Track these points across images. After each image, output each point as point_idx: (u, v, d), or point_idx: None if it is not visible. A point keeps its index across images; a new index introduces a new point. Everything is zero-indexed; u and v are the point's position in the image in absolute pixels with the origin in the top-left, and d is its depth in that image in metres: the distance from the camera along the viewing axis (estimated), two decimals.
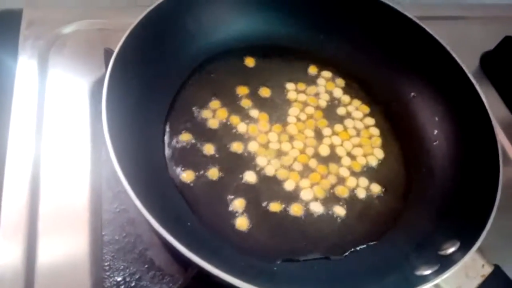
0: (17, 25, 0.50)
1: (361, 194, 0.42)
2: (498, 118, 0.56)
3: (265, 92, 0.47)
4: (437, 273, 0.33)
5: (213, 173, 0.41)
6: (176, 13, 0.44)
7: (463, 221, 0.38)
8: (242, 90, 0.47)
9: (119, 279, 0.37)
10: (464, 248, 0.34)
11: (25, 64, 0.46)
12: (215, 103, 0.45)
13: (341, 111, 0.48)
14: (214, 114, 0.44)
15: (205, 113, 0.44)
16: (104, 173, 0.42)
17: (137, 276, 0.37)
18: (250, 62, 0.49)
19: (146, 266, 0.38)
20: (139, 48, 0.40)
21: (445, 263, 0.33)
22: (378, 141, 0.46)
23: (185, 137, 0.42)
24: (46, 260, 0.36)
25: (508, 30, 0.60)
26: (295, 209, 0.40)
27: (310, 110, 0.47)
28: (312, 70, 0.50)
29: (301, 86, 0.49)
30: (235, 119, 0.44)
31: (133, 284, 0.37)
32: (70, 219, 0.38)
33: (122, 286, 0.36)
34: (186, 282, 0.35)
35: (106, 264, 0.37)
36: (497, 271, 0.35)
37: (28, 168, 0.40)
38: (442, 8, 0.66)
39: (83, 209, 0.39)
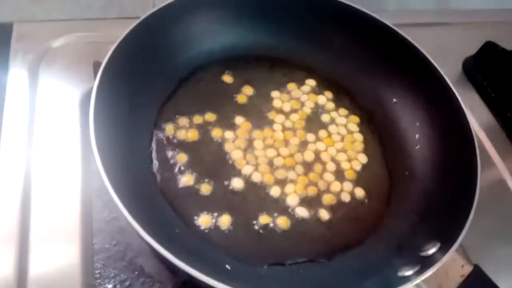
0: (7, 38, 0.50)
1: (346, 198, 0.43)
2: (481, 122, 0.57)
3: (249, 100, 0.48)
4: (418, 273, 0.34)
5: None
6: (163, 26, 0.45)
7: (443, 223, 0.39)
8: (230, 99, 0.48)
9: (109, 286, 0.38)
10: (444, 249, 0.35)
11: (15, 77, 0.47)
12: (201, 113, 0.46)
13: (325, 118, 0.49)
14: (198, 124, 0.45)
15: (190, 123, 0.45)
16: (94, 182, 0.43)
17: (127, 283, 0.38)
18: (229, 77, 0.50)
19: (136, 273, 0.38)
20: (126, 60, 0.41)
21: (426, 263, 0.34)
22: (361, 146, 0.47)
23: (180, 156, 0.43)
24: (37, 269, 0.37)
25: (489, 35, 0.62)
26: (281, 222, 0.41)
27: (294, 117, 0.48)
28: (296, 79, 0.51)
29: (285, 94, 0.50)
30: (218, 128, 0.45)
31: None
32: (61, 228, 0.39)
33: None
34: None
35: (97, 272, 0.38)
36: (477, 271, 0.36)
37: (20, 178, 0.41)
38: (425, 14, 0.68)
39: (74, 218, 0.40)
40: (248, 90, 0.49)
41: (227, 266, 0.37)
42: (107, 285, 0.38)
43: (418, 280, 0.33)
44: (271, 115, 0.48)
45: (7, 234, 0.38)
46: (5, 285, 0.35)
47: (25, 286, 0.36)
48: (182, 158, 0.43)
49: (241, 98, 0.48)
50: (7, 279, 0.35)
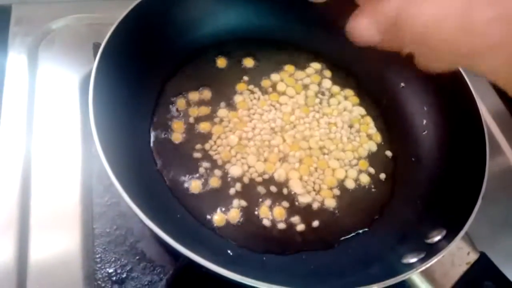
0: (6, 21, 0.50)
1: (350, 184, 0.43)
2: (490, 109, 0.56)
3: (251, 82, 0.47)
4: (423, 260, 0.33)
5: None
6: (164, 6, 0.44)
7: (449, 210, 0.38)
8: (238, 85, 0.47)
9: (110, 270, 0.37)
10: (450, 236, 0.34)
11: (14, 60, 0.47)
12: (202, 95, 0.45)
13: (330, 102, 0.48)
14: (199, 107, 0.44)
15: (192, 107, 0.44)
16: (95, 166, 0.42)
17: (128, 268, 0.38)
18: (249, 62, 0.49)
19: (137, 257, 0.38)
20: (126, 41, 0.40)
21: (431, 250, 0.34)
22: (366, 131, 0.46)
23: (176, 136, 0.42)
24: (38, 254, 0.37)
25: None
26: (282, 209, 0.40)
27: (300, 101, 0.47)
28: (302, 62, 0.50)
29: (290, 78, 0.48)
30: (222, 112, 0.44)
31: (124, 275, 0.37)
32: (61, 213, 0.39)
33: (114, 278, 0.37)
34: (177, 272, 0.35)
35: (97, 256, 0.38)
36: (483, 258, 0.36)
37: (19, 163, 0.40)
38: None
39: (75, 203, 0.39)
40: (249, 71, 0.48)
41: (229, 251, 0.36)
42: (107, 269, 0.37)
43: (423, 268, 0.33)
44: (273, 97, 0.46)
45: (7, 219, 0.37)
46: (5, 270, 0.35)
47: (26, 271, 0.36)
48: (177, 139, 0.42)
49: (240, 86, 0.47)
50: (7, 264, 0.35)
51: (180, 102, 0.44)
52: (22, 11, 0.51)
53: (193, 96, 0.45)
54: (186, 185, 0.40)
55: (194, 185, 0.40)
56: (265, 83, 0.47)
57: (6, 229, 0.37)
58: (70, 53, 0.48)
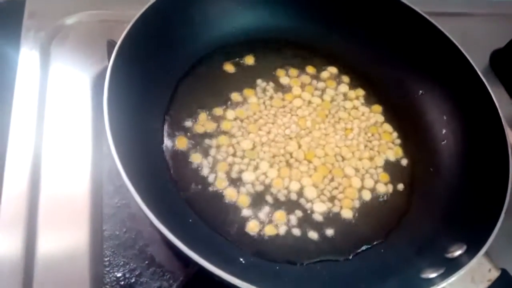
0: (19, 16, 0.49)
1: (366, 194, 0.41)
2: (507, 118, 0.54)
3: (270, 86, 0.46)
4: (443, 276, 0.32)
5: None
6: (181, 4, 0.43)
7: (470, 224, 0.37)
8: (247, 91, 0.46)
9: (119, 275, 0.37)
10: (471, 252, 0.33)
11: (27, 56, 0.46)
12: (214, 101, 0.44)
13: (347, 107, 0.47)
14: (212, 111, 0.43)
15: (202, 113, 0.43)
16: (105, 166, 0.42)
17: (137, 272, 0.37)
18: (249, 60, 0.48)
19: (147, 262, 0.37)
20: (142, 40, 0.39)
21: (451, 266, 0.32)
22: (384, 140, 0.45)
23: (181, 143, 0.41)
24: (45, 253, 0.36)
25: None
26: (297, 219, 0.39)
27: (315, 107, 0.46)
28: (318, 65, 0.49)
29: (307, 82, 0.47)
30: (239, 113, 0.43)
31: (133, 280, 0.36)
32: (70, 212, 0.38)
33: (122, 282, 0.36)
34: (187, 279, 0.34)
35: (106, 259, 0.37)
36: (504, 276, 0.34)
37: (29, 160, 0.40)
38: (452, 4, 0.64)
39: (84, 203, 0.39)
40: (262, 74, 0.47)
41: (241, 259, 0.35)
42: (116, 273, 0.37)
43: (443, 284, 0.32)
44: (291, 103, 0.45)
45: (16, 218, 0.37)
46: (12, 269, 0.35)
47: (32, 270, 0.35)
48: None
49: (248, 92, 0.45)
50: (14, 264, 0.35)
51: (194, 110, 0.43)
52: (36, 5, 0.50)
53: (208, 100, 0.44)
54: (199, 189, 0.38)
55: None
56: (279, 85, 0.46)
57: (14, 228, 0.36)
58: (83, 49, 0.47)
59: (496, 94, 0.54)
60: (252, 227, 0.37)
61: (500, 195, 0.36)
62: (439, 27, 0.46)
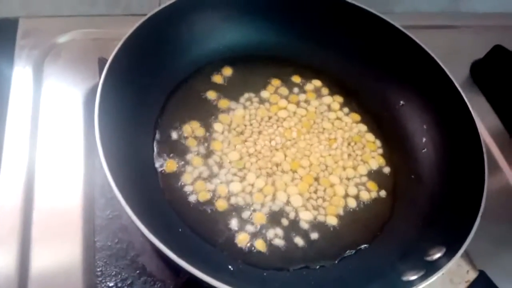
0: (13, 34, 0.50)
1: (351, 202, 0.43)
2: (488, 127, 0.56)
3: (255, 99, 0.48)
4: (423, 278, 0.33)
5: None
6: (169, 23, 0.45)
7: (449, 228, 0.38)
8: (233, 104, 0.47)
9: (111, 284, 0.37)
10: (450, 254, 0.34)
11: (20, 73, 0.47)
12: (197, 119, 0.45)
13: (330, 119, 0.48)
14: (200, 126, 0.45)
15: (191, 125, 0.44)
16: (97, 180, 0.42)
17: (129, 282, 0.38)
18: (235, 74, 0.49)
19: (138, 272, 0.38)
20: (132, 57, 0.40)
21: (431, 268, 0.34)
22: (367, 149, 0.47)
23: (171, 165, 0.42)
24: (39, 266, 0.36)
25: (498, 39, 0.61)
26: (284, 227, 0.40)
27: (299, 118, 0.47)
28: (300, 79, 0.51)
29: (293, 97, 0.49)
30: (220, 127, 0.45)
31: None
32: (63, 225, 0.39)
33: None
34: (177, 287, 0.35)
35: (98, 269, 0.38)
36: (482, 277, 0.36)
37: (22, 174, 0.40)
38: (433, 17, 0.67)
39: (76, 216, 0.39)
40: (250, 87, 0.49)
41: (230, 267, 0.36)
42: (108, 283, 0.37)
43: (423, 285, 0.33)
44: (275, 115, 0.47)
45: (9, 230, 0.37)
46: (6, 282, 0.35)
47: (26, 283, 0.36)
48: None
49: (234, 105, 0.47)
50: (8, 276, 0.35)
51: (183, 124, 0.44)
52: (29, 24, 0.51)
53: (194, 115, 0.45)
54: (188, 199, 0.40)
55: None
56: (266, 97, 0.48)
57: (8, 240, 0.37)
58: (76, 67, 0.48)
59: (477, 103, 0.56)
60: (241, 240, 0.38)
61: (476, 200, 0.37)
62: (417, 41, 0.48)
